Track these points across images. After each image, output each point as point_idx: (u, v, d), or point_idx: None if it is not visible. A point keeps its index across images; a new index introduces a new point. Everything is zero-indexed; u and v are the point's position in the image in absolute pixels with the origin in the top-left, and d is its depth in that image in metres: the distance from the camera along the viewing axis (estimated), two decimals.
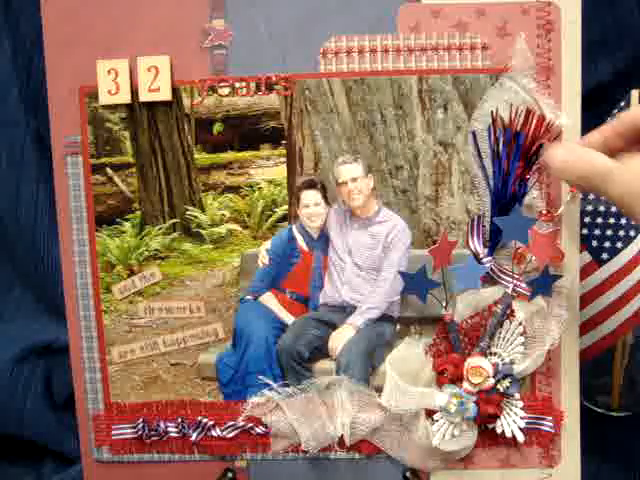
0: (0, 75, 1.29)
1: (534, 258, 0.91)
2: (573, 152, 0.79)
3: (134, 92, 0.92)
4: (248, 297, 0.97)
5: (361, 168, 0.94)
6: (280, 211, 0.95)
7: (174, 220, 0.96)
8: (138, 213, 0.96)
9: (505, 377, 0.91)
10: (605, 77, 1.23)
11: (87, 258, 0.96)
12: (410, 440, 0.94)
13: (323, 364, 0.96)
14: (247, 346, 0.96)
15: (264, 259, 0.96)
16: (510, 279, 0.92)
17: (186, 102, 0.94)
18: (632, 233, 1.10)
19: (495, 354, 0.92)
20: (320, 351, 0.96)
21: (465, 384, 0.91)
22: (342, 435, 0.94)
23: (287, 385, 0.95)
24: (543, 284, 0.91)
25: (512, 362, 0.92)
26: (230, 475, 0.97)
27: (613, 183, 0.74)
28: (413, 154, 0.94)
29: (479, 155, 0.92)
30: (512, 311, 0.92)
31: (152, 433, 0.97)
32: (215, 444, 0.97)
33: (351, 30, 0.91)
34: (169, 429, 0.97)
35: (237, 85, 0.93)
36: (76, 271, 0.96)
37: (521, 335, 0.92)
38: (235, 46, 0.92)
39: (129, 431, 0.98)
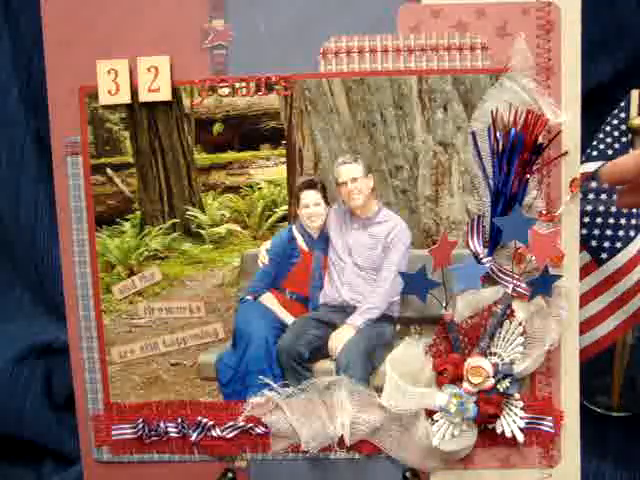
0: (0, 75, 1.29)
1: (534, 258, 0.91)
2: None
3: (134, 92, 0.92)
4: (248, 297, 0.97)
5: (361, 168, 0.94)
6: (280, 211, 0.95)
7: (174, 220, 0.96)
8: (138, 213, 0.96)
9: (505, 377, 0.91)
10: (605, 77, 1.23)
11: (87, 258, 0.96)
12: (410, 440, 0.94)
13: (323, 364, 0.96)
14: (247, 346, 0.96)
15: (264, 259, 0.96)
16: (510, 279, 0.92)
17: (186, 102, 0.94)
18: (632, 233, 1.10)
19: (495, 354, 0.92)
20: (320, 351, 0.96)
21: (465, 384, 0.91)
22: (342, 435, 0.94)
23: (287, 385, 0.95)
24: (543, 284, 0.91)
25: (512, 362, 0.92)
26: (230, 475, 0.97)
27: None
28: (413, 154, 0.94)
29: (479, 155, 0.92)
30: (512, 311, 0.92)
31: (152, 433, 0.97)
32: (215, 444, 0.97)
33: (351, 30, 0.91)
34: (169, 429, 0.97)
35: (237, 85, 0.93)
36: (76, 271, 0.96)
37: (521, 335, 0.92)
38: (235, 46, 0.92)
39: (129, 431, 0.97)
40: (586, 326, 1.12)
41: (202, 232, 0.96)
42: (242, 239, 0.96)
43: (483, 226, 0.93)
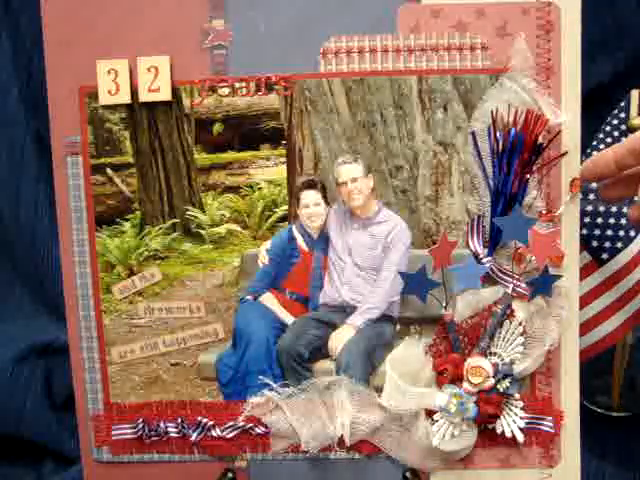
0: (0, 75, 1.29)
1: (534, 258, 0.91)
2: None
3: (134, 92, 0.92)
4: (248, 297, 0.97)
5: (361, 168, 0.94)
6: (280, 211, 0.95)
7: (174, 220, 0.96)
8: (138, 213, 0.96)
9: (505, 377, 0.91)
10: (605, 77, 1.23)
11: (87, 258, 0.96)
12: (410, 440, 0.94)
13: (323, 364, 0.96)
14: (247, 346, 0.96)
15: (264, 259, 0.96)
16: (510, 279, 0.92)
17: (186, 102, 0.94)
18: (632, 233, 1.10)
19: (495, 354, 0.92)
20: (320, 351, 0.96)
21: (465, 384, 0.91)
22: (342, 435, 0.94)
23: (287, 385, 0.95)
24: (543, 284, 0.91)
25: (512, 362, 0.92)
26: (230, 475, 0.97)
27: None
28: (413, 154, 0.94)
29: (479, 155, 0.92)
30: (512, 311, 0.92)
31: (152, 433, 0.97)
32: (215, 444, 0.97)
33: (351, 30, 0.91)
34: (169, 429, 0.97)
35: (237, 85, 0.93)
36: (76, 271, 0.96)
37: (521, 335, 0.92)
38: (235, 46, 0.92)
39: (129, 431, 0.97)
40: (587, 327, 1.12)
41: (202, 232, 0.96)
42: (242, 239, 0.96)
43: (483, 226, 0.93)
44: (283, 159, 0.94)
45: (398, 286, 0.93)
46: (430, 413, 0.92)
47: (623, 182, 0.90)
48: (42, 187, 1.31)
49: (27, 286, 1.37)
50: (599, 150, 1.11)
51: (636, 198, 1.00)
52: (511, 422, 0.93)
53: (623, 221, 1.10)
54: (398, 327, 0.96)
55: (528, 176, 0.90)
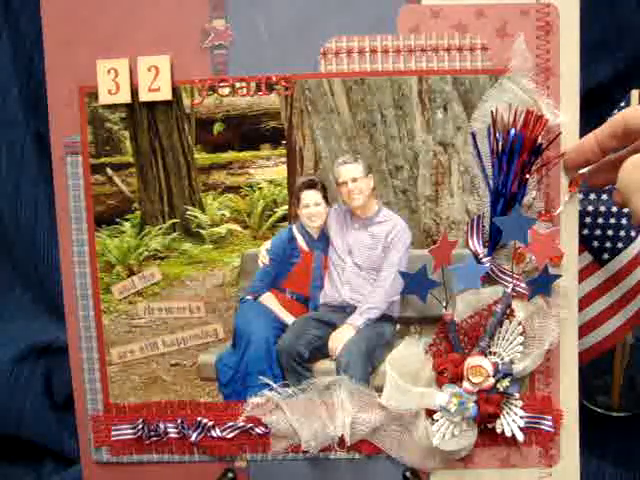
0: (0, 75, 1.29)
1: (534, 258, 0.91)
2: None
3: (134, 92, 0.92)
4: (248, 297, 0.97)
5: (361, 168, 0.94)
6: (280, 211, 0.95)
7: (174, 220, 0.96)
8: (138, 213, 0.96)
9: (505, 377, 0.91)
10: (605, 77, 1.23)
11: (86, 258, 0.96)
12: (410, 440, 0.94)
13: (323, 364, 0.96)
14: (247, 346, 0.96)
15: (264, 259, 0.96)
16: (510, 279, 0.92)
17: (186, 102, 0.94)
18: (633, 233, 1.10)
19: (495, 354, 0.92)
20: (320, 351, 0.96)
21: (465, 384, 0.91)
22: (342, 435, 0.94)
23: (287, 385, 0.95)
24: (543, 284, 0.91)
25: (512, 362, 0.92)
26: (230, 475, 0.97)
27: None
28: (413, 154, 0.94)
29: (479, 155, 0.92)
30: (512, 311, 0.92)
31: (152, 434, 0.97)
32: (215, 444, 0.97)
33: (351, 30, 0.91)
34: (169, 430, 0.97)
35: (237, 85, 0.93)
36: (75, 271, 0.96)
37: (521, 335, 0.92)
38: (235, 46, 0.92)
39: (129, 432, 0.97)
40: (589, 327, 1.12)
41: (202, 232, 0.96)
42: (242, 239, 0.96)
43: (483, 226, 0.93)
44: (283, 159, 0.94)
45: (398, 286, 0.93)
46: (430, 413, 0.92)
47: (607, 168, 0.90)
48: (42, 187, 1.31)
49: (27, 286, 1.37)
50: None
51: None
52: (511, 421, 0.93)
53: (624, 221, 1.10)
54: (398, 327, 0.96)
55: (528, 176, 0.90)
